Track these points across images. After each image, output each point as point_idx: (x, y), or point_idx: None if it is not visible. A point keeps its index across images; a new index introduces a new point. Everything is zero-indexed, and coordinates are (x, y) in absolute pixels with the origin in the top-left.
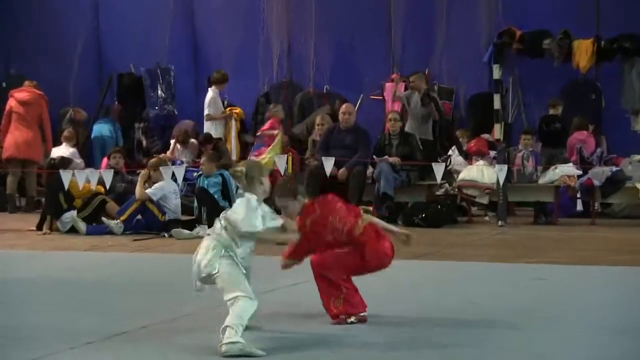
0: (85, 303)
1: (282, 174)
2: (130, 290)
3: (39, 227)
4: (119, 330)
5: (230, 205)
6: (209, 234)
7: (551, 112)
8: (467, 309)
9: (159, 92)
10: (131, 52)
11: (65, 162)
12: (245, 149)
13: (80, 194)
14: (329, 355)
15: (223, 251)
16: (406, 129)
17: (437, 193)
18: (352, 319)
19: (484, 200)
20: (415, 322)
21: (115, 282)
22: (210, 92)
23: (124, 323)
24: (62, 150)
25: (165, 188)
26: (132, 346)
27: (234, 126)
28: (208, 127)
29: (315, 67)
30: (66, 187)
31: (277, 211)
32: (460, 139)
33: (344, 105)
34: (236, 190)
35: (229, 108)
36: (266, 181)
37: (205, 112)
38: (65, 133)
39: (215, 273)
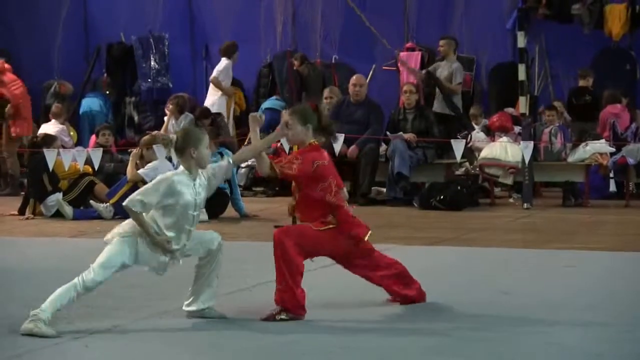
0: None
1: (287, 153)
2: (119, 280)
3: (21, 211)
4: (109, 324)
5: (231, 187)
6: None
7: (581, 83)
8: (500, 300)
9: (152, 62)
10: (121, 18)
11: (48, 140)
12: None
13: (66, 175)
14: (344, 346)
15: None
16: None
17: (457, 172)
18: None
19: (508, 180)
20: (442, 316)
21: None
22: (225, 61)
23: (114, 316)
24: (50, 128)
25: (159, 168)
26: (124, 341)
27: (232, 109)
28: (210, 100)
29: (322, 34)
30: (51, 167)
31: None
32: (474, 121)
33: (354, 77)
34: (236, 170)
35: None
36: (202, 153)
37: (214, 74)
38: (54, 109)
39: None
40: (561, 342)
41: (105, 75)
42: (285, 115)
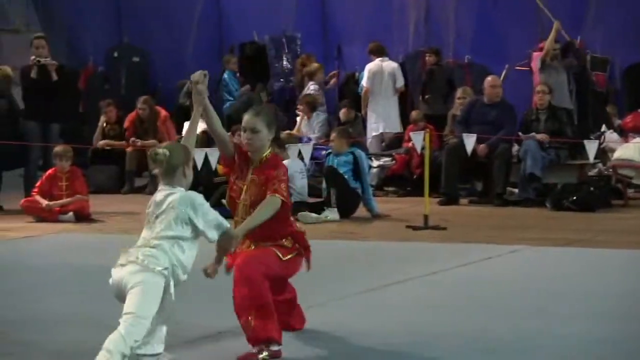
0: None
1: (419, 152)
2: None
3: None
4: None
5: (363, 187)
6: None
7: None
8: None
9: (284, 62)
10: (255, 18)
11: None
12: None
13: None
14: None
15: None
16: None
17: (590, 173)
18: (265, 354)
19: None
20: (586, 321)
21: None
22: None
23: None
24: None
25: (291, 167)
26: None
27: None
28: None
29: (455, 34)
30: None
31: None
32: (613, 117)
33: (490, 78)
34: (368, 170)
35: None
36: (189, 172)
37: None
38: None
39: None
40: None
41: (238, 74)
42: (250, 118)
